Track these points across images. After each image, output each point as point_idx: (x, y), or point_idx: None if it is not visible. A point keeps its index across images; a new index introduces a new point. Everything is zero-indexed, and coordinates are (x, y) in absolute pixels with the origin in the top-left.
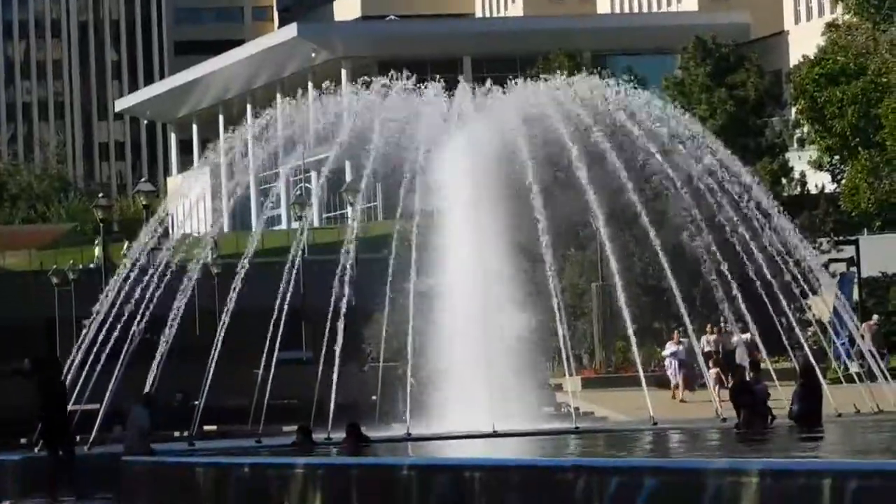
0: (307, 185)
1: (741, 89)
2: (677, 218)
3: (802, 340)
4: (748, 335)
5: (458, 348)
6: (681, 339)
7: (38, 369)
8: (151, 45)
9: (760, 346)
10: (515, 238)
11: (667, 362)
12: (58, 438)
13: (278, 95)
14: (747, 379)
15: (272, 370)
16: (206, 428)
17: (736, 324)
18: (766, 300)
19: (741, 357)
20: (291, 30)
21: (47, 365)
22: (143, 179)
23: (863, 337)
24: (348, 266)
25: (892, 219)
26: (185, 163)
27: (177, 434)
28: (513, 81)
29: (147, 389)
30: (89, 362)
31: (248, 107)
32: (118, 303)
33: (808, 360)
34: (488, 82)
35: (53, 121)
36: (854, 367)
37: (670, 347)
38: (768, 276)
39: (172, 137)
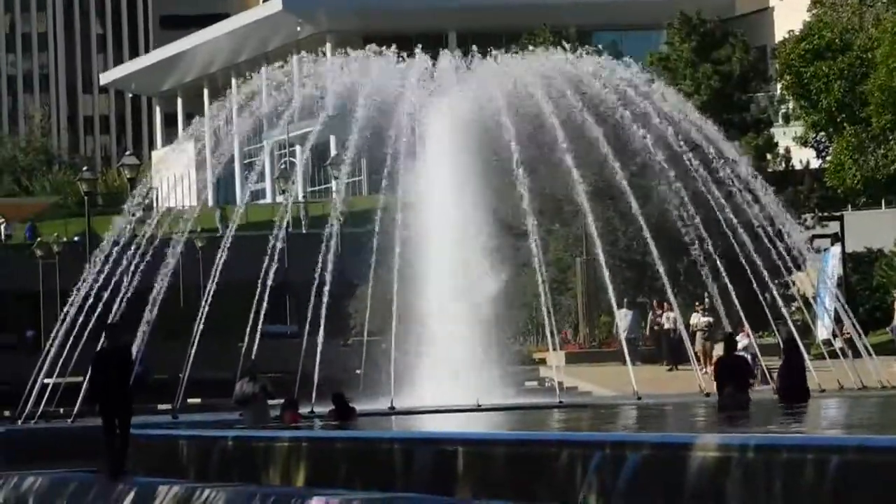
0: (292, 158)
1: (726, 65)
2: (662, 192)
3: (786, 315)
4: (707, 318)
5: (442, 322)
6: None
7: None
8: (136, 19)
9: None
10: (500, 212)
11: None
12: (115, 413)
13: (263, 69)
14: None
15: (256, 343)
16: (189, 401)
17: (703, 302)
18: (750, 275)
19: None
20: (276, 4)
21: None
22: (127, 153)
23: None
24: (333, 240)
25: (877, 195)
26: (170, 136)
27: (161, 407)
28: (498, 56)
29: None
30: (73, 335)
31: (233, 80)
32: (102, 276)
33: (792, 335)
34: (474, 55)
35: (38, 94)
36: (838, 343)
37: (742, 340)
38: (752, 252)
39: (157, 111)
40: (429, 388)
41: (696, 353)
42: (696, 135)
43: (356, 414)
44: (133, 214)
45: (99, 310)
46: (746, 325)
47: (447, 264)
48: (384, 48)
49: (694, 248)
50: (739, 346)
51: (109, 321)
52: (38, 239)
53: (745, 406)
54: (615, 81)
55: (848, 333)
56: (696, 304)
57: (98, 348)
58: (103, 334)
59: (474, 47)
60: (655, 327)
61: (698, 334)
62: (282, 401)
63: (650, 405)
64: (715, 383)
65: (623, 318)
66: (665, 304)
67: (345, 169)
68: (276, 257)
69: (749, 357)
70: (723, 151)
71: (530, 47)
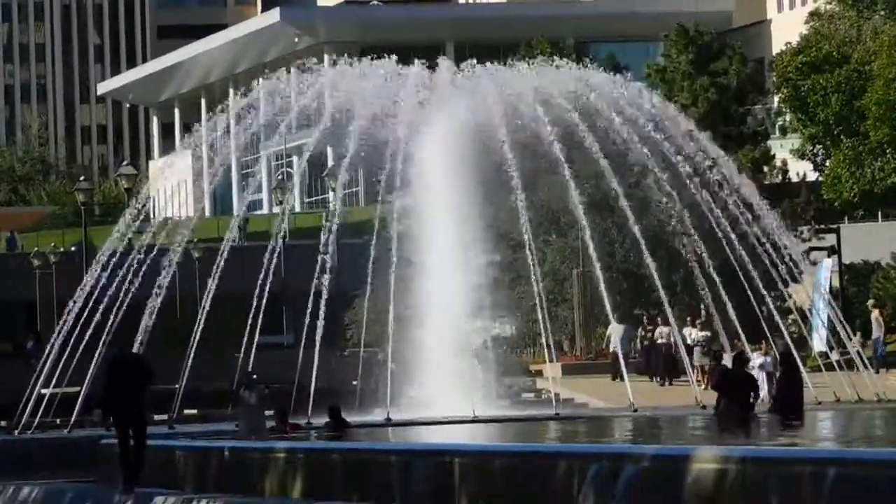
0: (289, 169)
1: (723, 77)
2: (658, 205)
3: (783, 328)
4: (705, 333)
5: (438, 334)
6: (768, 350)
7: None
8: (134, 29)
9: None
10: (497, 224)
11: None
12: (129, 423)
13: (260, 80)
14: (728, 366)
15: (252, 354)
16: (186, 412)
17: (700, 315)
18: (746, 287)
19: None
20: (274, 14)
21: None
22: (124, 163)
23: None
24: (329, 250)
25: (873, 208)
26: (167, 146)
27: (157, 417)
28: (495, 66)
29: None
30: (70, 346)
31: (231, 91)
32: (99, 287)
33: (789, 348)
34: (471, 66)
35: (36, 104)
36: (834, 356)
37: (757, 358)
38: (748, 264)
39: (154, 121)
40: (425, 400)
41: (693, 367)
42: (691, 146)
43: (351, 426)
44: (130, 224)
45: (96, 320)
46: (764, 343)
47: (443, 276)
48: (382, 58)
49: (690, 260)
50: (756, 362)
51: (114, 328)
52: (36, 249)
53: (742, 419)
54: (613, 94)
55: (848, 353)
56: (688, 318)
57: (108, 354)
58: (110, 341)
59: (472, 59)
60: (646, 342)
61: (696, 348)
62: (272, 412)
63: (646, 417)
64: (716, 393)
65: (615, 332)
66: (658, 318)
67: (341, 179)
68: (272, 268)
69: (765, 375)
70: (720, 163)
71: (528, 59)
